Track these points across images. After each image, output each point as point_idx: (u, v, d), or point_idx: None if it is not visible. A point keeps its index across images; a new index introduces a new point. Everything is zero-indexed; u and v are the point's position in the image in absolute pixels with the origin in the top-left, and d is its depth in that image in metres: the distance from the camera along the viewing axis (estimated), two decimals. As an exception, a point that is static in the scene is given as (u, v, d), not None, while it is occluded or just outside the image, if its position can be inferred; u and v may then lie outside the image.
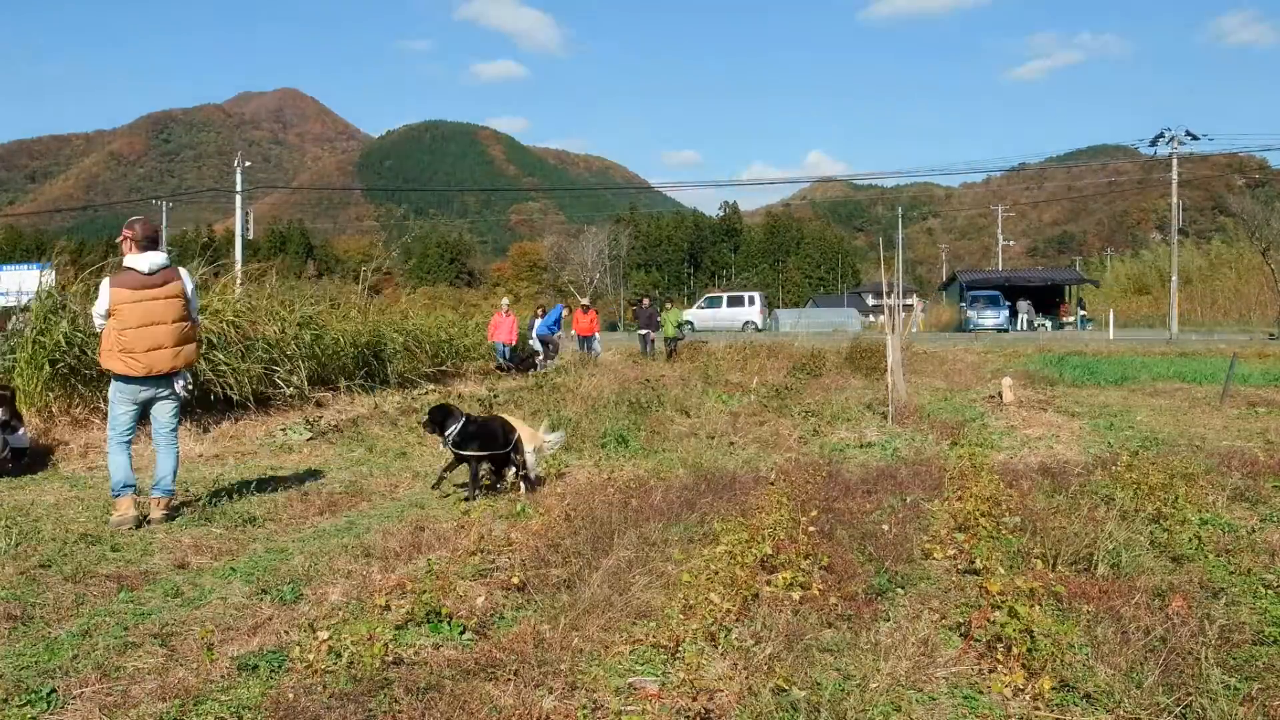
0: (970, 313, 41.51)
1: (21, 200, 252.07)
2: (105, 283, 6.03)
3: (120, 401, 6.05)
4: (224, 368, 10.87)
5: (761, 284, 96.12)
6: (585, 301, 24.45)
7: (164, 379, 6.07)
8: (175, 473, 6.24)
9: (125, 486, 5.97)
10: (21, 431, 8.42)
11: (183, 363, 6.16)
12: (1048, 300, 51.69)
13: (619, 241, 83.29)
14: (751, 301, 43.18)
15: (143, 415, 6.20)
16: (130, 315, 5.91)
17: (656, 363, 19.97)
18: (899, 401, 11.12)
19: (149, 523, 5.91)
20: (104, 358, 6.02)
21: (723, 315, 41.07)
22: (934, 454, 8.55)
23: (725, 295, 45.03)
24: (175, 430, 6.31)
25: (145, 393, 6.06)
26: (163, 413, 6.20)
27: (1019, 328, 42.36)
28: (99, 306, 6.02)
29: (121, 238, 6.14)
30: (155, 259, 6.08)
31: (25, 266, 13.58)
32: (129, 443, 6.11)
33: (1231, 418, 11.18)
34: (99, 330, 6.16)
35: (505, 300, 24.57)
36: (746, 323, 39.94)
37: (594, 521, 5.43)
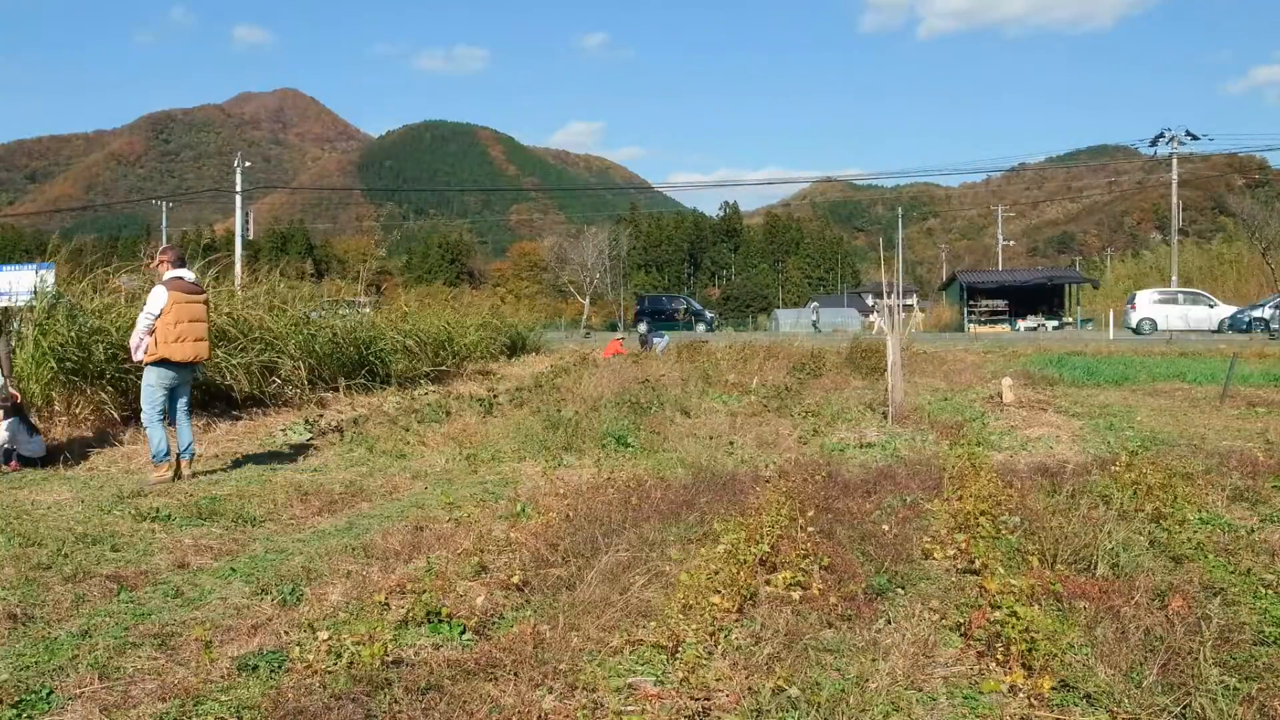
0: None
1: (21, 200, 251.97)
2: (159, 288, 7.53)
3: (160, 385, 7.56)
4: (224, 366, 10.88)
5: (762, 284, 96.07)
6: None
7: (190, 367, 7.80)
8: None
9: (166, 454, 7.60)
10: (36, 438, 8.41)
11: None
12: (1042, 301, 51.81)
13: (619, 242, 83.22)
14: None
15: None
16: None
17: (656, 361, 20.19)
18: (897, 402, 11.12)
19: (179, 478, 7.51)
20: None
21: (1192, 314, 34.92)
22: (934, 454, 8.55)
23: (1180, 292, 37.41)
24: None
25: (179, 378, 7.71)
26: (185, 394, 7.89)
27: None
28: (152, 307, 7.45)
29: (160, 260, 7.91)
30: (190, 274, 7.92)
31: (19, 267, 13.63)
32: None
33: (1231, 418, 11.18)
34: (144, 328, 7.47)
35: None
36: (1223, 321, 33.48)
37: (594, 521, 5.44)
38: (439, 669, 3.37)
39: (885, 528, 5.42)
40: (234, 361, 11.02)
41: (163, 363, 7.50)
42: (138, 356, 7.65)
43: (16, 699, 3.18)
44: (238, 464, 8.54)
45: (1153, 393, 14.13)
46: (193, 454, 7.83)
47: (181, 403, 7.80)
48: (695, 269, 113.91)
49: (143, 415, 7.64)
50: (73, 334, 9.53)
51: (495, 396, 12.94)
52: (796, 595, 4.15)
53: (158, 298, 7.49)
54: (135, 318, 10.30)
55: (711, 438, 9.60)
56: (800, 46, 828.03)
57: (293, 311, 13.40)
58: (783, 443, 9.49)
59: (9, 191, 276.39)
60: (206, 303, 8.07)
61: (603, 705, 3.07)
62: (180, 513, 6.21)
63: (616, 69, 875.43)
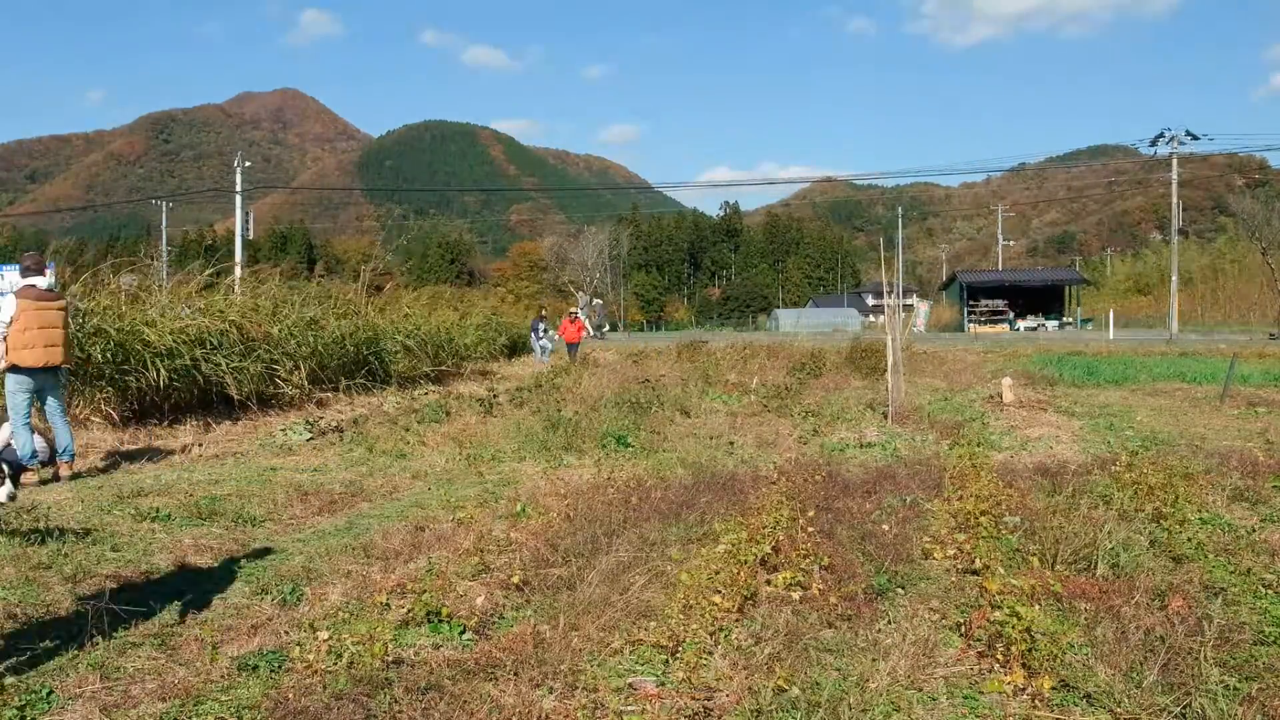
0: None
1: (21, 200, 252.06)
2: (9, 296, 7.59)
3: (22, 390, 7.59)
4: (224, 367, 10.88)
5: (762, 284, 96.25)
6: (574, 310, 24.63)
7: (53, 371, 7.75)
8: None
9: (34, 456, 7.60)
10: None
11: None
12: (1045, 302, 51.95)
13: (619, 241, 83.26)
14: None
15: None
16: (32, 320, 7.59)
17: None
18: (897, 402, 11.13)
19: (57, 480, 7.47)
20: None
21: None
22: (934, 454, 8.54)
23: None
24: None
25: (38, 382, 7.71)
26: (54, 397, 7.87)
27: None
28: (3, 315, 7.47)
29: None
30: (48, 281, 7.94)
31: (18, 267, 13.59)
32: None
33: (1231, 417, 11.18)
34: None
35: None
36: None
37: (594, 521, 5.43)
38: (439, 669, 3.37)
39: (885, 528, 5.42)
40: (233, 364, 11.02)
41: (16, 369, 7.60)
42: None
43: (16, 699, 3.18)
44: (238, 464, 8.54)
45: (1153, 393, 14.13)
46: (71, 455, 7.82)
47: (53, 405, 7.84)
48: (695, 269, 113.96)
49: (9, 420, 7.68)
50: (73, 335, 9.52)
51: (495, 396, 12.94)
52: (797, 595, 4.15)
53: (6, 306, 7.59)
54: (134, 318, 10.37)
55: (711, 438, 9.60)
56: (802, 48, 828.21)
57: (294, 314, 13.39)
58: (783, 443, 9.48)
59: (9, 191, 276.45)
60: (64, 309, 8.08)
61: (603, 705, 3.06)
62: (180, 513, 6.20)
63: (620, 69, 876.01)
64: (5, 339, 7.54)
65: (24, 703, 3.16)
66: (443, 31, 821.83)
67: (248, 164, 43.63)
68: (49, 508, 6.40)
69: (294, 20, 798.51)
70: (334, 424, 10.74)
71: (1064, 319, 50.55)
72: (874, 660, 3.44)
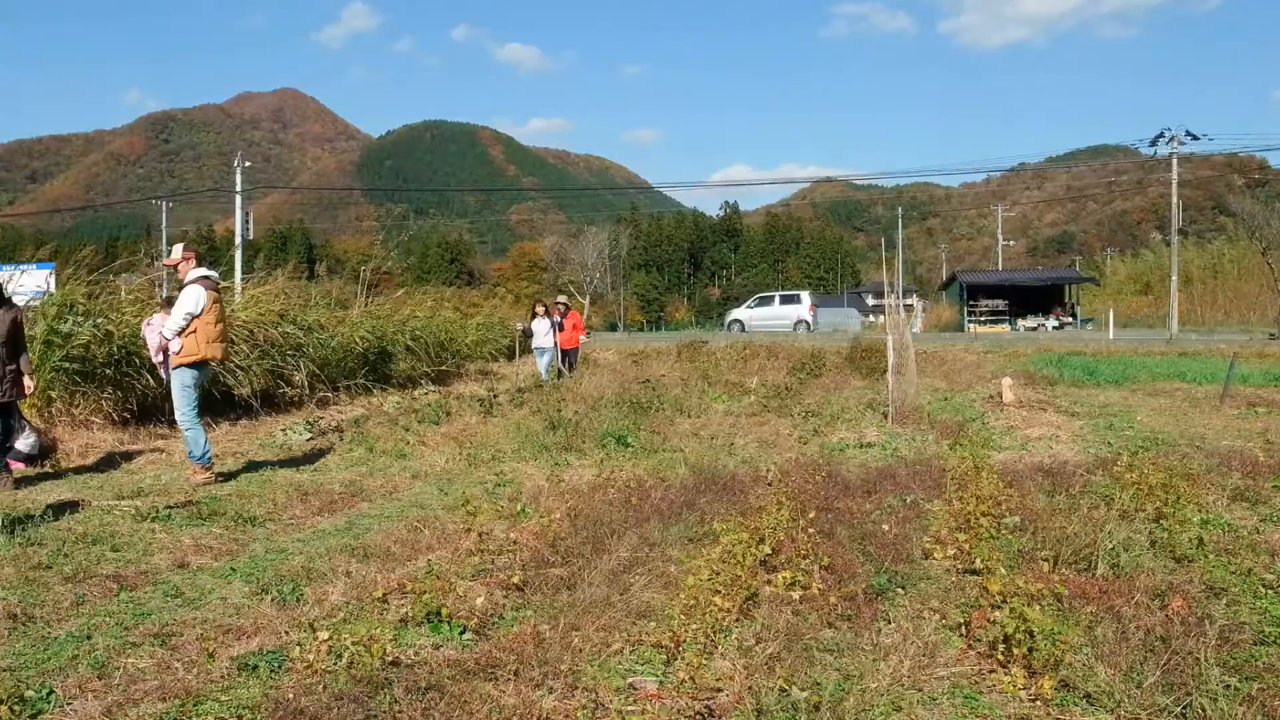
0: None
1: (21, 200, 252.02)
2: (196, 287, 7.33)
3: (196, 385, 7.42)
4: (228, 369, 10.88)
5: (762, 284, 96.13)
6: (563, 300, 17.61)
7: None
8: None
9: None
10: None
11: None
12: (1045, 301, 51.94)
13: (619, 242, 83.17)
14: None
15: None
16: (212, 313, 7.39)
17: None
18: (900, 402, 11.12)
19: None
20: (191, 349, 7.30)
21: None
22: (934, 454, 8.54)
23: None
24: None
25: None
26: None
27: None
28: (192, 307, 7.25)
29: (185, 258, 7.61)
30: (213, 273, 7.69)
31: (17, 267, 13.60)
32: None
33: (1231, 418, 11.18)
34: (180, 328, 7.26)
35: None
36: None
37: (594, 521, 5.44)
38: (439, 669, 3.37)
39: (885, 528, 5.42)
40: (236, 364, 11.02)
41: (199, 363, 7.40)
42: (159, 358, 7.60)
43: (17, 699, 3.18)
44: (238, 464, 8.54)
45: (1153, 392, 14.12)
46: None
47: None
48: (695, 269, 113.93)
49: (180, 418, 7.40)
50: (88, 335, 9.50)
51: (495, 396, 12.93)
52: (797, 595, 4.15)
53: (197, 297, 7.31)
54: (134, 319, 10.35)
55: (712, 438, 9.60)
56: (801, 48, 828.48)
57: (303, 318, 13.36)
58: (783, 443, 9.48)
59: (9, 191, 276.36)
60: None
61: (603, 705, 3.06)
62: (180, 513, 6.21)
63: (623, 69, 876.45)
64: (195, 332, 7.27)
65: (24, 702, 3.16)
66: (475, 27, 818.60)
67: (248, 164, 43.63)
68: (50, 508, 6.40)
69: (335, 15, 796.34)
70: (334, 424, 10.75)
71: (1063, 319, 50.50)
72: (875, 660, 3.44)
